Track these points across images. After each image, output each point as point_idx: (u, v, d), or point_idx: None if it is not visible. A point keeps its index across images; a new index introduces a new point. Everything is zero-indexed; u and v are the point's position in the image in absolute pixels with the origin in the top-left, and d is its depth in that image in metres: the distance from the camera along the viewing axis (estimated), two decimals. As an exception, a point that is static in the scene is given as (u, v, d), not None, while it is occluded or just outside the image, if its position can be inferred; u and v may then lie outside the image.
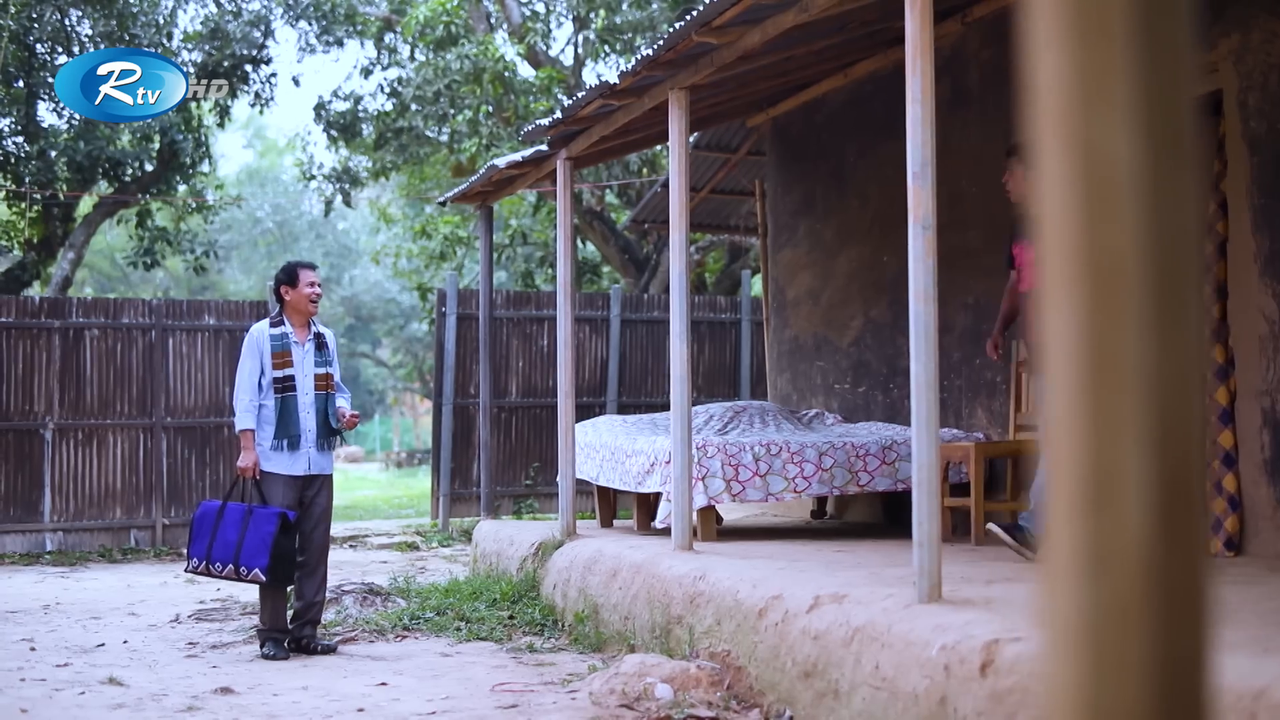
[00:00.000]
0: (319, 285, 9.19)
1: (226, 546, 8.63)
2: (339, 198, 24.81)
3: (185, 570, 9.29)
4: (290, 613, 9.10)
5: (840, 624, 6.04)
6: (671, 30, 8.10)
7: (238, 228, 44.94)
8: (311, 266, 9.29)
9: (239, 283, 48.92)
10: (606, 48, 23.26)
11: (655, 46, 8.29)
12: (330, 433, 9.12)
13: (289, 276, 9.15)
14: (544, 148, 10.95)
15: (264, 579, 8.61)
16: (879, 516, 11.70)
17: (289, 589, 9.12)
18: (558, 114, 10.30)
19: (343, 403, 9.31)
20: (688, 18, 7.88)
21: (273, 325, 9.06)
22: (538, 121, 11.40)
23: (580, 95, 9.78)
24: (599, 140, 10.29)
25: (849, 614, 6.04)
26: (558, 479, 11.69)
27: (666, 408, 17.53)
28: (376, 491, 31.48)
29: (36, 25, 19.91)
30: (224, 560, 8.63)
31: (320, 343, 9.13)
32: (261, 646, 8.92)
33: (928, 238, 6.03)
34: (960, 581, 6.44)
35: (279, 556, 8.63)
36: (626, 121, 9.75)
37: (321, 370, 9.06)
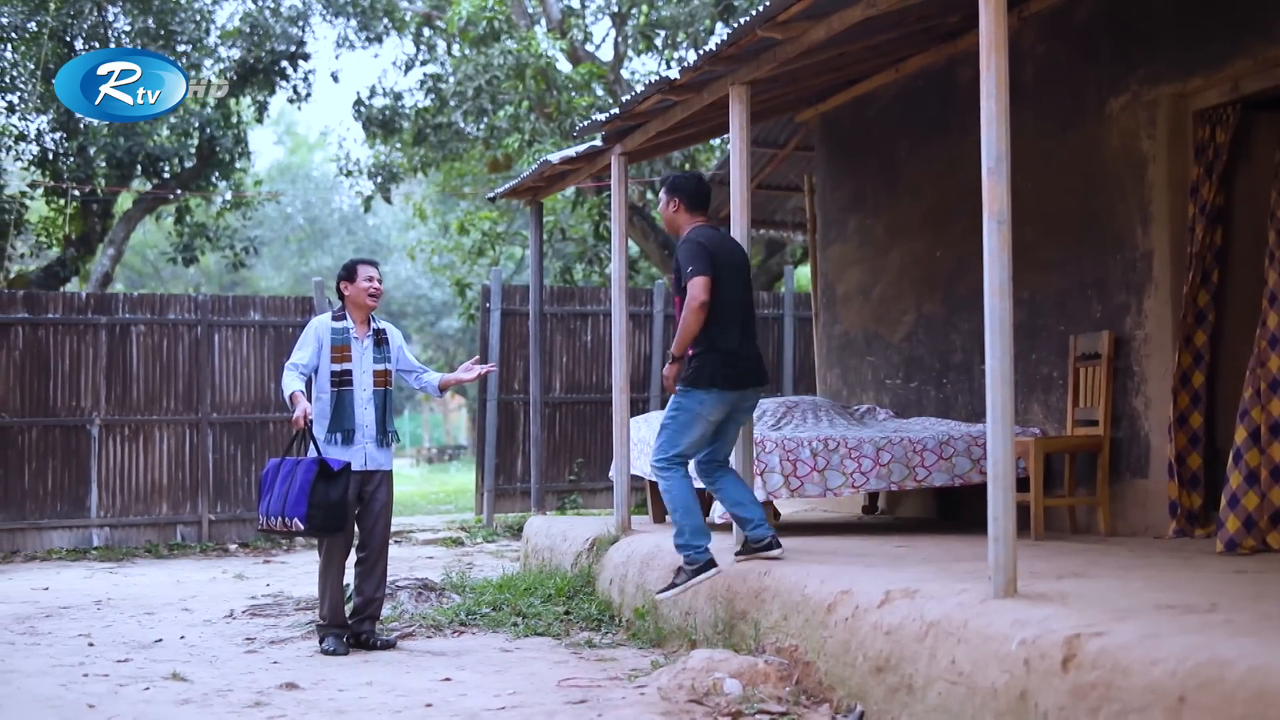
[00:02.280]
0: (378, 280, 9.22)
1: (279, 499, 8.56)
2: (377, 194, 24.87)
3: (257, 529, 9.53)
4: (349, 608, 9.11)
5: (913, 619, 6.03)
6: (734, 26, 8.10)
7: (269, 224, 44.95)
8: (372, 263, 9.34)
9: (270, 279, 49.00)
10: (647, 42, 23.27)
11: (718, 41, 8.29)
12: (389, 430, 9.15)
13: (348, 273, 9.21)
14: (598, 143, 10.95)
15: (302, 527, 8.48)
16: (932, 512, 11.68)
17: (347, 583, 9.14)
18: (615, 109, 10.29)
19: (436, 375, 9.51)
20: (753, 13, 7.87)
21: (334, 319, 9.08)
22: (594, 116, 11.42)
23: (639, 90, 9.77)
24: (654, 135, 10.28)
25: (922, 609, 6.04)
26: (610, 474, 11.69)
27: (710, 403, 17.50)
28: (412, 487, 31.54)
29: (74, 22, 19.99)
30: (276, 513, 8.55)
31: (380, 339, 9.15)
32: (321, 642, 8.93)
33: (1003, 232, 6.01)
34: (1030, 576, 6.42)
35: (317, 504, 8.49)
36: (683, 116, 9.75)
37: (380, 366, 9.08)
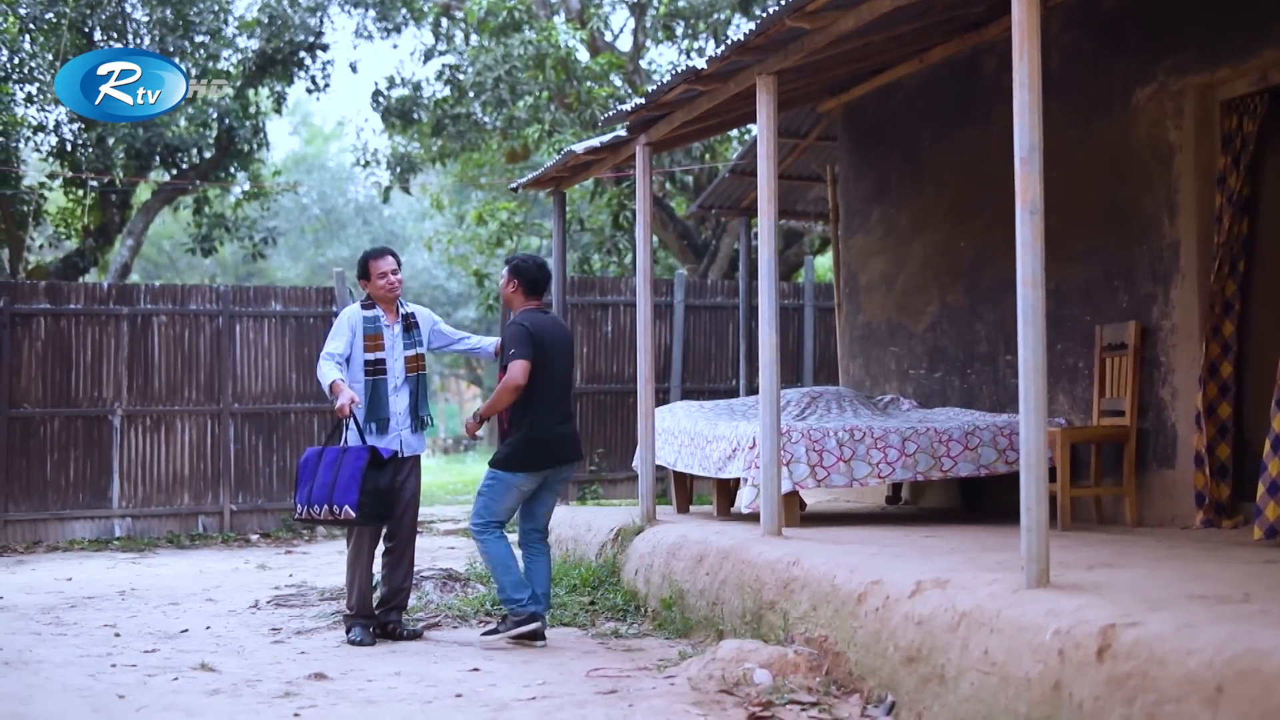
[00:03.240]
0: (393, 273, 9.11)
1: (323, 488, 8.52)
2: (395, 184, 24.88)
3: (294, 518, 9.62)
4: (375, 597, 9.11)
5: (945, 609, 6.03)
6: (753, 16, 8.09)
7: (285, 215, 44.88)
8: (384, 253, 9.23)
9: (287, 269, 48.95)
10: (667, 32, 23.26)
11: (746, 31, 8.28)
12: (422, 415, 9.15)
13: (362, 271, 9.16)
14: (622, 133, 10.92)
15: (354, 515, 8.45)
16: (956, 501, 11.67)
17: (375, 573, 9.13)
18: (635, 100, 10.29)
19: (488, 340, 9.74)
20: (774, 3, 7.86)
21: (364, 308, 9.06)
22: (615, 106, 11.38)
23: (664, 80, 9.76)
24: (679, 125, 10.26)
25: (954, 599, 6.04)
26: (633, 463, 11.69)
27: (729, 393, 17.51)
28: (430, 477, 31.50)
29: (93, 13, 20.01)
30: (320, 501, 8.52)
31: (409, 323, 9.12)
32: (348, 632, 8.93)
33: (1035, 222, 6.00)
34: (1060, 567, 6.41)
35: (368, 492, 8.49)
36: (709, 107, 9.73)
37: (411, 352, 9.07)
